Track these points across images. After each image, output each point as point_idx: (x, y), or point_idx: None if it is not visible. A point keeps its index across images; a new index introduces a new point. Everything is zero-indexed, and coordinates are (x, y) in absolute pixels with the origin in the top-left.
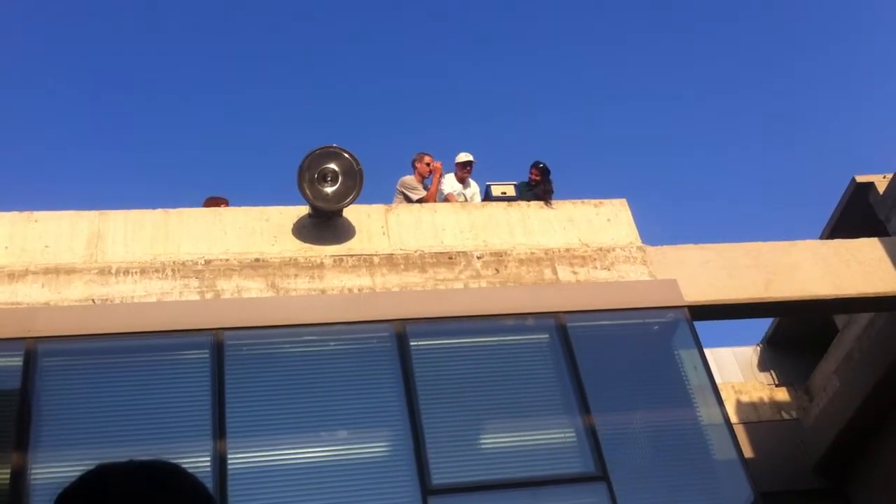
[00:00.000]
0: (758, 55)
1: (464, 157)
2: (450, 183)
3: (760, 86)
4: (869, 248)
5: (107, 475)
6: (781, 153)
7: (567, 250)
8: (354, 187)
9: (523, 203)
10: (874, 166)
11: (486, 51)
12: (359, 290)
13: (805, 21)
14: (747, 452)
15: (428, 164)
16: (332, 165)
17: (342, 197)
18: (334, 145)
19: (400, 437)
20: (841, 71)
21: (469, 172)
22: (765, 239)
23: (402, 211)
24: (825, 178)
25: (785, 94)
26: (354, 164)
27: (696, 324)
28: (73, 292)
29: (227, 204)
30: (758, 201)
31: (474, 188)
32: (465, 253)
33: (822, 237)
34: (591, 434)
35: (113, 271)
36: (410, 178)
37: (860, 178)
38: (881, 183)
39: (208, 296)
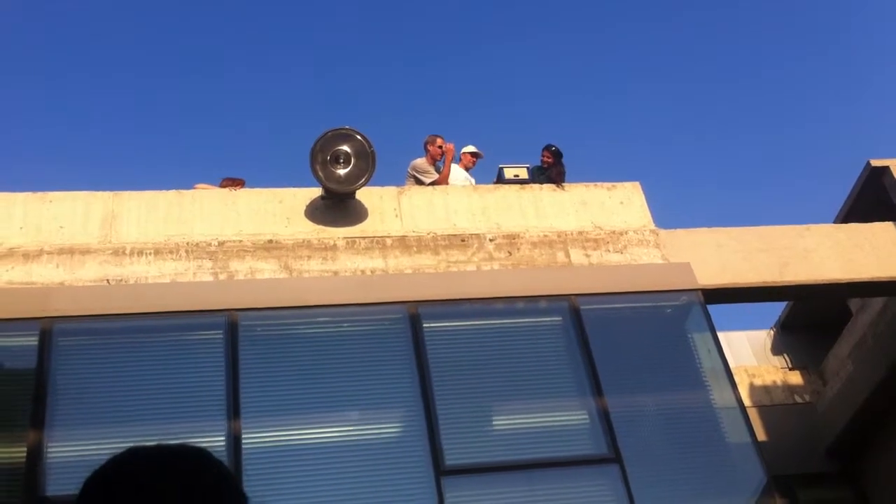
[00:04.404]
0: (772, 38)
1: (473, 148)
2: (455, 172)
3: (775, 69)
4: (883, 232)
5: (137, 459)
6: (796, 136)
7: (580, 233)
8: (367, 169)
9: (536, 186)
10: (889, 150)
11: (499, 34)
12: (371, 271)
13: (819, 3)
14: (760, 435)
15: (440, 147)
16: (345, 147)
17: (355, 179)
18: (347, 127)
19: (413, 418)
20: (856, 53)
21: (474, 164)
22: (779, 223)
23: (414, 193)
24: (840, 162)
25: (800, 77)
26: (367, 146)
27: (710, 307)
28: (88, 272)
29: (243, 184)
30: (772, 185)
31: (473, 181)
32: (477, 235)
33: (836, 221)
34: (604, 416)
35: (127, 252)
36: (422, 161)
37: (875, 162)
38: None
39: (222, 277)
